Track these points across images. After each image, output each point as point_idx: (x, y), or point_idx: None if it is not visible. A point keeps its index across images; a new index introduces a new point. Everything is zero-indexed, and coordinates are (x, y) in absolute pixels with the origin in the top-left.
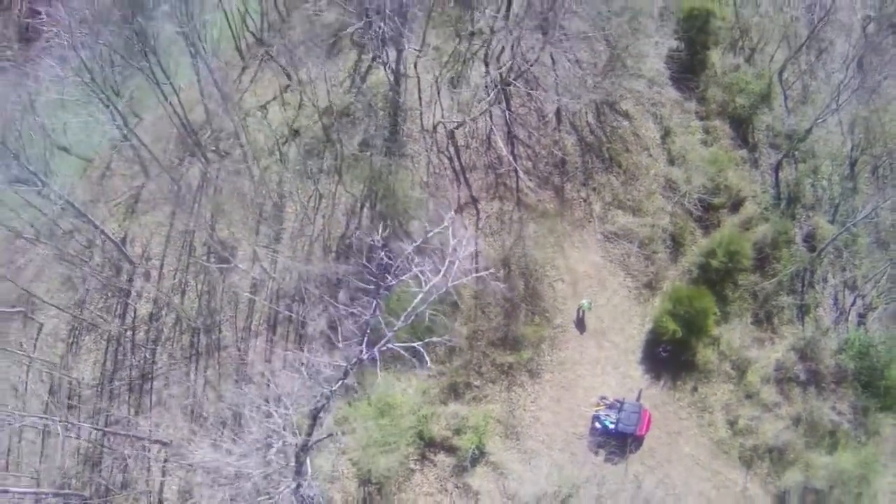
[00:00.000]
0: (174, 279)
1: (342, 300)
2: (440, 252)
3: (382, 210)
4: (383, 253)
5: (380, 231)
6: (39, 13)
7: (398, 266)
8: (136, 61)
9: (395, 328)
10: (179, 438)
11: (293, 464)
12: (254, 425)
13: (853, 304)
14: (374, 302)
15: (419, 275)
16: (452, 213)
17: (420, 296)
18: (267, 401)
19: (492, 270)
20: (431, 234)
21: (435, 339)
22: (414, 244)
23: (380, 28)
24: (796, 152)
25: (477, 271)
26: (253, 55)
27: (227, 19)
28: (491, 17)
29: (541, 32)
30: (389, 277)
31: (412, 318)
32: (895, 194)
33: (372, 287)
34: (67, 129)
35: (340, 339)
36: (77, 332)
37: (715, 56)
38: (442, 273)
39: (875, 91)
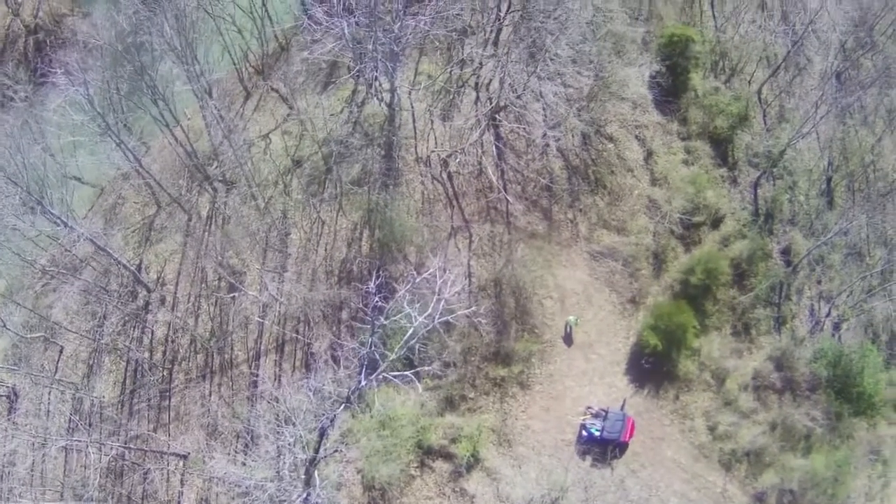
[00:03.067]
0: (188, 303)
1: (345, 321)
2: (434, 280)
3: (380, 237)
4: (377, 298)
5: (373, 280)
6: (46, 47)
7: (390, 308)
8: (146, 108)
9: (389, 359)
10: (196, 451)
11: (303, 476)
12: (267, 441)
13: (828, 315)
14: (370, 339)
15: (410, 312)
16: (439, 259)
17: (410, 331)
18: (278, 418)
19: (473, 308)
20: (419, 279)
21: (424, 368)
22: (406, 287)
23: (372, 72)
24: (774, 169)
25: (470, 294)
26: (255, 85)
27: (230, 54)
28: (479, 46)
29: (528, 60)
30: (383, 318)
31: (404, 350)
32: (869, 209)
33: (368, 326)
34: (78, 160)
35: (342, 368)
36: (97, 354)
37: (696, 79)
38: (428, 312)
39: (852, 107)
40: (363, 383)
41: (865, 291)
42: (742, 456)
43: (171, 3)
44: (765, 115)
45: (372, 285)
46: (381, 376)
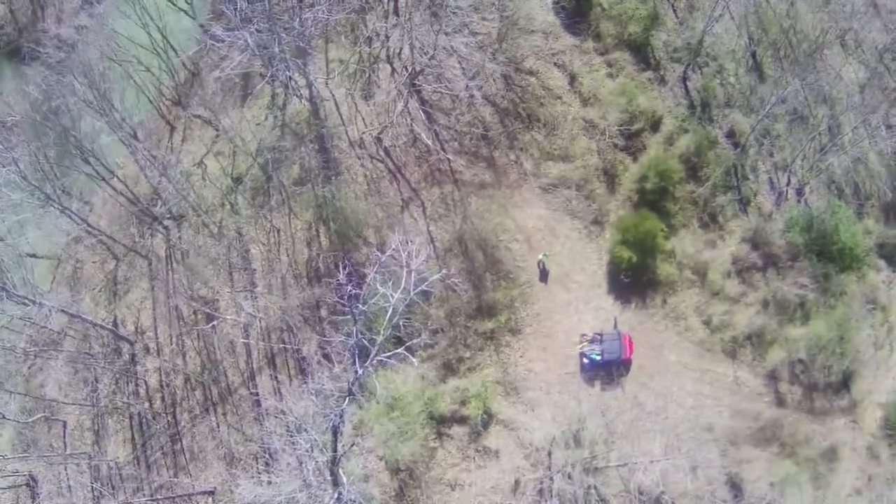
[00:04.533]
0: (172, 344)
1: (326, 318)
2: (399, 255)
3: (337, 228)
4: (350, 287)
5: (342, 271)
6: None
7: (365, 293)
8: (79, 167)
9: (378, 342)
10: (221, 484)
11: (329, 477)
12: (285, 455)
13: (788, 183)
14: (354, 328)
15: (385, 292)
16: (399, 233)
17: (390, 310)
18: (289, 429)
19: (444, 271)
20: (384, 258)
21: (414, 341)
22: (374, 271)
23: (285, 73)
24: (698, 59)
25: (437, 258)
26: (176, 117)
27: (145, 94)
28: (381, 19)
29: (431, 20)
30: (361, 305)
31: (390, 329)
32: (800, 72)
33: (349, 316)
34: (28, 237)
35: (336, 364)
36: (100, 418)
37: None
38: (402, 287)
39: None
40: (360, 372)
41: (818, 151)
42: (744, 340)
43: (76, 60)
44: (674, 9)
45: (342, 276)
46: (375, 361)
